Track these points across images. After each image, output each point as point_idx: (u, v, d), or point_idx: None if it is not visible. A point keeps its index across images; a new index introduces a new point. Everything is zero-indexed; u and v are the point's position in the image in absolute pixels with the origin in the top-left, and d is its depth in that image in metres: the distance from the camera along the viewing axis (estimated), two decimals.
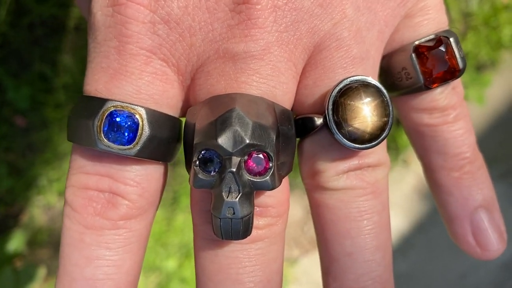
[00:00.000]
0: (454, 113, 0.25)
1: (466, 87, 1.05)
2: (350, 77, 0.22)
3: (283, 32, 0.22)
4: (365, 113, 0.22)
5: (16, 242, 0.97)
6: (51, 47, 0.90)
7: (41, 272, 0.95)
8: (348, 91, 0.22)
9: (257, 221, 0.22)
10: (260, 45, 0.21)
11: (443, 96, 0.25)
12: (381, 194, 0.24)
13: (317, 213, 0.24)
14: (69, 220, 0.22)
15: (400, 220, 1.12)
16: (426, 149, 0.26)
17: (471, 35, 1.04)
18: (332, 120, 0.22)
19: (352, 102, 0.22)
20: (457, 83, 0.25)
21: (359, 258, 0.23)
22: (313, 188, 0.24)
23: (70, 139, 0.22)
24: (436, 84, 0.24)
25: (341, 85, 0.22)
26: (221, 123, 0.20)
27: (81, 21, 0.90)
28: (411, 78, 0.24)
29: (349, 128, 0.22)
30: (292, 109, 0.24)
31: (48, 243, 1.00)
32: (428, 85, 0.24)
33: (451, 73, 0.24)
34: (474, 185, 0.26)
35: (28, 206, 0.99)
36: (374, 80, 0.23)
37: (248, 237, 0.21)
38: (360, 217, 0.23)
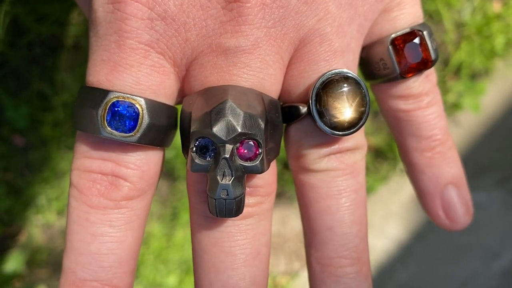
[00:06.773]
0: (427, 99, 0.27)
1: (461, 95, 1.06)
2: (331, 70, 0.24)
3: (271, 28, 0.23)
4: (344, 104, 0.24)
5: (15, 263, 0.96)
6: (49, 65, 0.90)
7: None
8: (330, 83, 0.24)
9: (247, 200, 0.24)
10: (250, 40, 0.23)
11: (417, 84, 0.27)
12: (359, 175, 0.26)
13: (301, 192, 0.27)
14: (75, 201, 0.24)
15: (399, 229, 1.12)
16: (401, 132, 0.28)
17: (464, 45, 1.05)
18: (314, 110, 0.24)
19: (333, 93, 0.24)
20: (431, 71, 0.27)
21: (337, 231, 0.26)
22: (298, 170, 0.26)
23: (75, 127, 0.24)
24: (410, 74, 0.26)
25: (323, 78, 0.24)
26: (215, 114, 0.22)
27: (79, 39, 0.91)
28: (388, 68, 0.26)
29: (330, 117, 0.24)
30: (279, 98, 0.26)
31: (47, 263, 0.99)
32: (403, 75, 0.26)
33: (424, 64, 0.26)
34: (444, 164, 0.28)
35: (27, 225, 0.98)
36: (353, 73, 0.25)
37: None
38: (339, 195, 0.26)
